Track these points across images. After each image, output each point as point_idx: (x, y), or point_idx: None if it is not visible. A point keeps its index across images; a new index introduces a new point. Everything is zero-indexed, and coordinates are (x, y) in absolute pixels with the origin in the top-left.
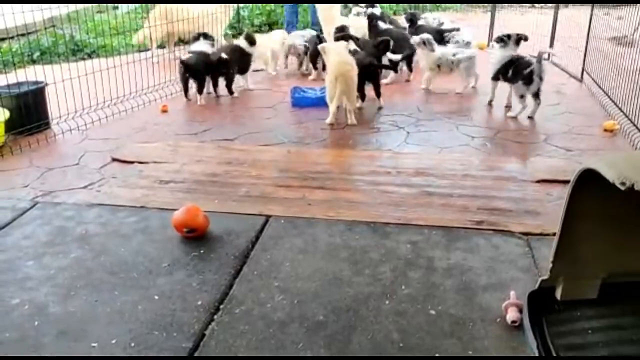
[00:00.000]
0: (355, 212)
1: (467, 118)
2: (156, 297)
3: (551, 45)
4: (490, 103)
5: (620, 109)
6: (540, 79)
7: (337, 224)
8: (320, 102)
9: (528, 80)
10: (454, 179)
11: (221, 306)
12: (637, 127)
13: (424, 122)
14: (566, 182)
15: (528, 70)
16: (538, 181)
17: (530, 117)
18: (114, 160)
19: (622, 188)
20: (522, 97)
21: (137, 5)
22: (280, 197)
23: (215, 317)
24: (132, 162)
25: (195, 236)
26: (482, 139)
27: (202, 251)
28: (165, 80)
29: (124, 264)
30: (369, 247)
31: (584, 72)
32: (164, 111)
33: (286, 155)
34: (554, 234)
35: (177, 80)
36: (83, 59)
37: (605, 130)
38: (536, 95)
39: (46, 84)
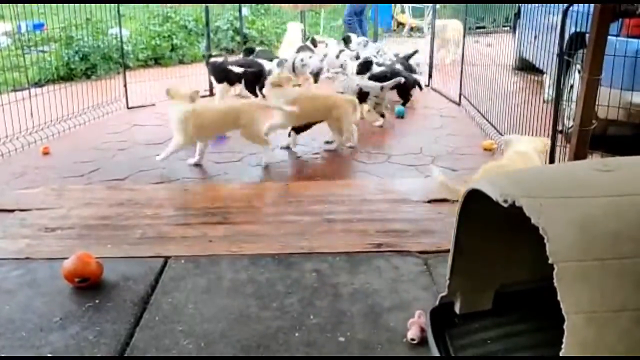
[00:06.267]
0: (258, 245)
1: (360, 144)
2: (49, 356)
3: (430, 75)
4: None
5: (495, 128)
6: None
7: (240, 259)
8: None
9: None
10: (352, 204)
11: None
12: None
13: (318, 152)
14: (455, 201)
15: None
16: (429, 201)
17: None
18: None
19: (505, 205)
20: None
21: (10, 41)
22: (179, 236)
23: None
24: (12, 211)
25: (89, 285)
26: (375, 165)
27: (97, 301)
28: (45, 120)
29: (10, 323)
30: (274, 279)
31: (461, 97)
32: (46, 153)
33: (182, 192)
34: (449, 251)
35: (60, 119)
36: None
37: (485, 149)
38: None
39: None
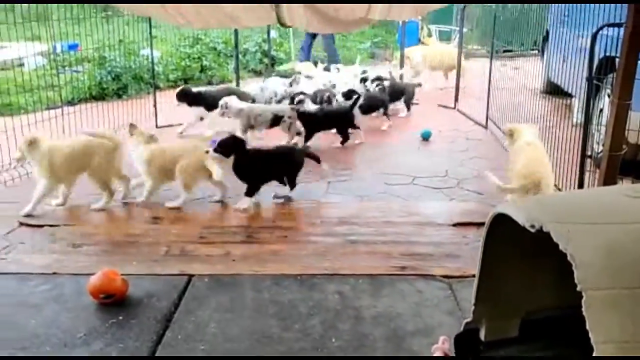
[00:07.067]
0: (281, 265)
1: (384, 166)
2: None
3: (456, 98)
4: None
5: None
6: None
7: (263, 279)
8: None
9: None
10: (376, 226)
11: None
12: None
13: (343, 172)
14: (481, 224)
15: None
16: (455, 224)
17: None
18: (22, 225)
19: (532, 230)
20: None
21: (45, 61)
22: (203, 254)
23: None
24: (41, 226)
25: (114, 301)
26: (400, 186)
27: (121, 317)
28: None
29: (35, 338)
30: (297, 300)
31: (488, 119)
32: None
33: (207, 211)
34: (474, 276)
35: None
36: None
37: None
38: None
39: None
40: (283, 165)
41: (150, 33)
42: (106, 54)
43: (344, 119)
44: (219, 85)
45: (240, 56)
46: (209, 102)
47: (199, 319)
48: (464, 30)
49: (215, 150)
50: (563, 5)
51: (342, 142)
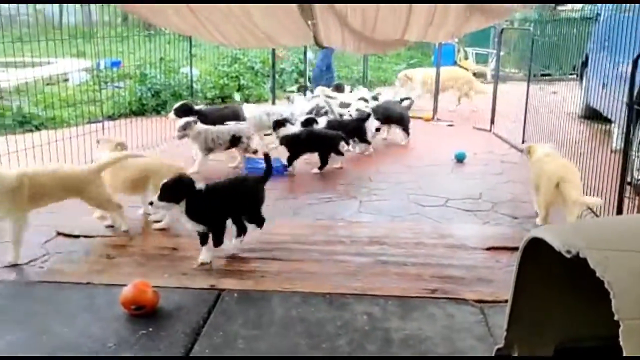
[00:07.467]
0: (310, 283)
1: (417, 186)
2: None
3: (492, 121)
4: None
5: None
6: None
7: (292, 296)
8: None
9: None
10: (407, 247)
11: None
12: None
13: (375, 192)
14: (514, 249)
15: None
16: (488, 248)
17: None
18: (59, 234)
19: (568, 256)
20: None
21: (89, 77)
22: (233, 269)
23: None
24: (78, 237)
25: (144, 313)
26: (432, 207)
27: (150, 329)
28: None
29: (66, 346)
30: (325, 319)
31: (524, 143)
32: None
33: None
34: (507, 301)
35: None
36: (30, 130)
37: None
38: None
39: None
40: (241, 200)
41: (190, 52)
42: (147, 71)
43: (327, 143)
44: (222, 105)
45: (276, 76)
46: (208, 121)
47: (227, 334)
48: (501, 53)
49: (161, 198)
50: (604, 29)
51: (320, 168)
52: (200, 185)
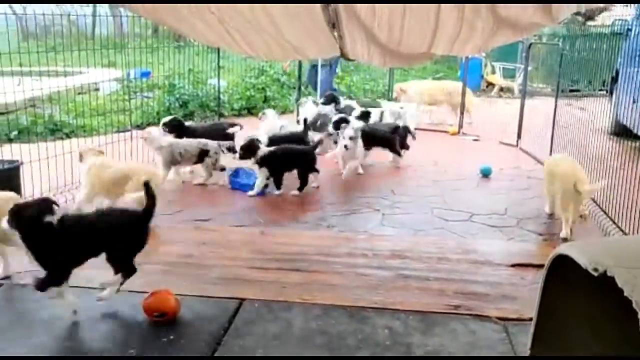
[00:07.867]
0: (331, 295)
1: (441, 201)
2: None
3: (519, 135)
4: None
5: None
6: None
7: (312, 308)
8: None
9: None
10: (430, 262)
11: None
12: (604, 212)
13: (399, 205)
14: (540, 266)
15: None
16: (513, 265)
17: None
18: None
19: (595, 274)
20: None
21: (119, 87)
22: (254, 279)
23: None
24: None
25: (166, 320)
26: (456, 222)
27: (171, 337)
28: (143, 159)
29: (89, 351)
30: (345, 332)
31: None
32: None
33: (260, 237)
34: (531, 319)
35: (152, 160)
36: (61, 138)
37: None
38: None
39: (21, 163)
40: (106, 240)
41: (218, 63)
42: (176, 82)
43: (304, 160)
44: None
45: (302, 88)
46: (196, 137)
47: (247, 344)
48: (529, 68)
49: (9, 223)
50: (635, 45)
51: (300, 189)
52: (50, 218)
